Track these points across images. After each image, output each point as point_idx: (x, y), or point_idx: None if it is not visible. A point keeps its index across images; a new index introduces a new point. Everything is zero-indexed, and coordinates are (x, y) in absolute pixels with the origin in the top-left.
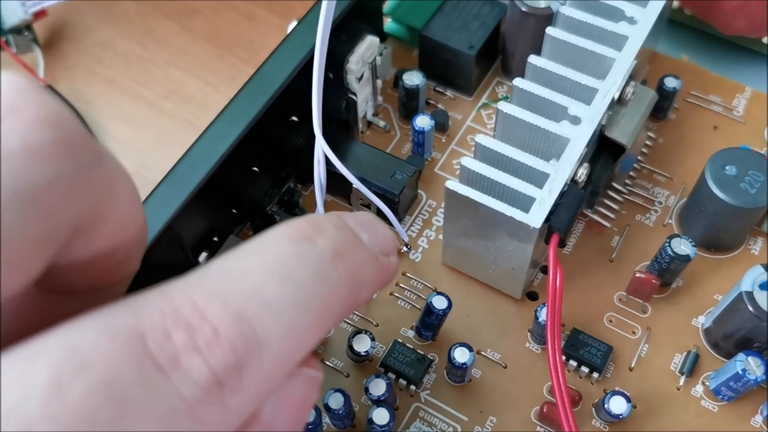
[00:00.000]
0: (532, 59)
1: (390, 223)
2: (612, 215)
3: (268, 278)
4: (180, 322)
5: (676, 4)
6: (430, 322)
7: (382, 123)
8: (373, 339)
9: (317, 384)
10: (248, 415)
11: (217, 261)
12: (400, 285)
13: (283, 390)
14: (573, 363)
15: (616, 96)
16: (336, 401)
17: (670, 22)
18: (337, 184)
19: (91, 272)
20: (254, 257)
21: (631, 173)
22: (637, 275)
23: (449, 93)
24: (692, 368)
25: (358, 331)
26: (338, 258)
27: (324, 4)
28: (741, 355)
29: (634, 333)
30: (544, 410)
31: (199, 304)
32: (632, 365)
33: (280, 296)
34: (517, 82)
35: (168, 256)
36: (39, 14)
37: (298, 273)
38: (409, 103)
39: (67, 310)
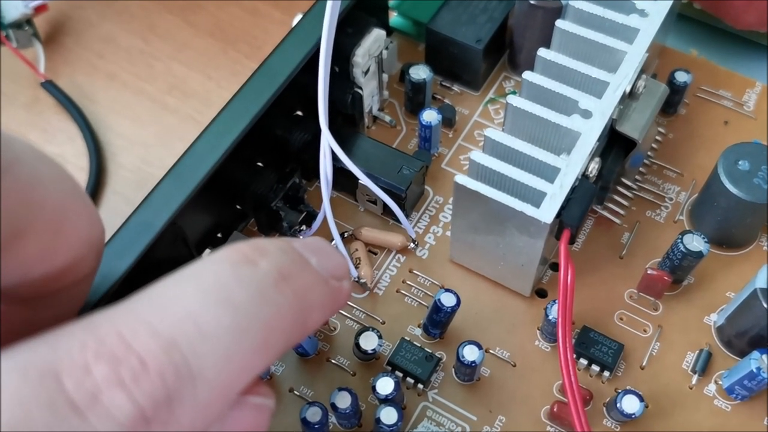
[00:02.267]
0: (542, 52)
1: (397, 220)
2: (622, 211)
3: (203, 302)
4: (102, 355)
5: None
6: (438, 319)
7: (388, 118)
8: (380, 337)
9: (267, 412)
10: None
11: (150, 287)
12: (407, 282)
13: (227, 420)
14: (583, 361)
15: (628, 89)
16: (342, 400)
17: (679, 17)
18: (343, 179)
19: (35, 281)
20: (190, 281)
21: (641, 169)
22: (648, 272)
23: (456, 88)
24: (705, 367)
25: (364, 329)
26: (283, 280)
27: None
28: (755, 354)
29: (645, 331)
30: (555, 409)
31: (125, 333)
32: (643, 364)
33: (216, 321)
34: (527, 75)
35: (171, 252)
36: (40, 8)
37: (237, 296)
38: (415, 98)
39: (32, 316)
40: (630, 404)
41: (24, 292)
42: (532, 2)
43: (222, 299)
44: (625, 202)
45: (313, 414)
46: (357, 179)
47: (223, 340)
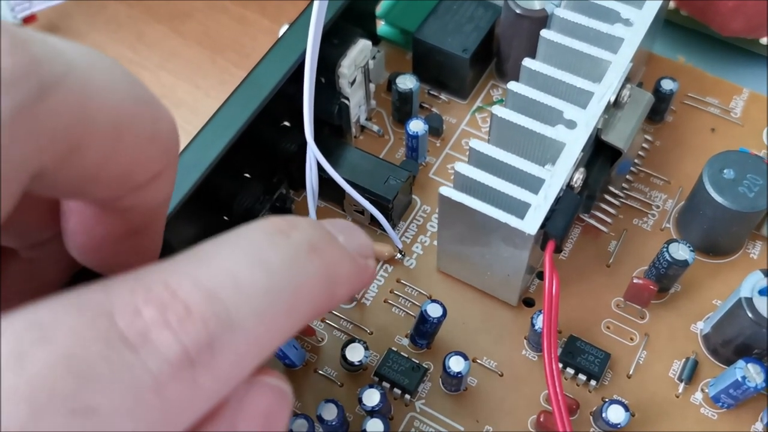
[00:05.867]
0: (527, 62)
1: (384, 230)
2: (609, 220)
3: (241, 262)
4: (151, 300)
5: (672, 4)
6: (424, 330)
7: (375, 127)
8: (366, 348)
9: (285, 398)
10: (218, 398)
11: (190, 249)
12: (395, 292)
13: (245, 400)
14: (570, 371)
15: (612, 99)
16: (329, 412)
17: (666, 23)
18: (330, 190)
19: (101, 181)
20: (228, 245)
21: (628, 177)
22: (634, 281)
23: (443, 96)
24: (691, 375)
25: (351, 340)
26: (313, 251)
27: (315, 7)
28: (741, 362)
29: (632, 339)
30: (541, 419)
31: (171, 283)
32: (630, 372)
33: (252, 279)
34: (512, 85)
35: None
36: (28, 19)
37: (272, 259)
38: (402, 107)
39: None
40: (615, 414)
41: (96, 193)
42: (517, 11)
43: (258, 261)
44: (612, 210)
45: (300, 426)
46: (344, 189)
47: (259, 296)
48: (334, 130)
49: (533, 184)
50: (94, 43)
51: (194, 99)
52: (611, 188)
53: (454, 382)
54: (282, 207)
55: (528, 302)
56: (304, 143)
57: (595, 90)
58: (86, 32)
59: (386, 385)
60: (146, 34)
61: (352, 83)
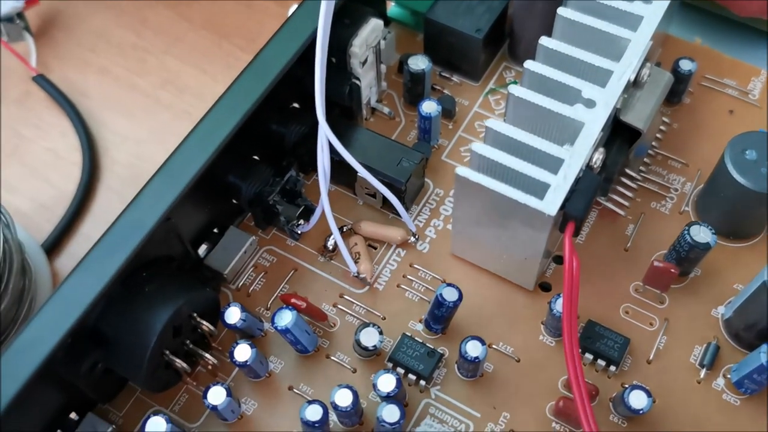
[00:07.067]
0: (544, 41)
1: (397, 213)
2: (626, 203)
3: None
4: None
5: None
6: (439, 314)
7: (386, 109)
8: (380, 333)
9: None
10: None
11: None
12: (408, 277)
13: None
14: (589, 356)
15: (632, 78)
16: (343, 398)
17: (682, 4)
18: (341, 173)
19: None
20: None
21: (645, 159)
22: (655, 264)
23: (455, 78)
24: (713, 360)
25: (365, 325)
26: None
27: None
28: (764, 347)
29: (651, 324)
30: (560, 405)
31: None
32: (650, 358)
33: None
34: (529, 64)
35: (166, 249)
36: (31, 2)
37: None
38: (414, 89)
39: None
40: (638, 400)
41: None
42: None
43: None
44: (629, 194)
45: (313, 412)
46: (355, 172)
47: None
48: (344, 112)
49: (552, 164)
50: (98, 27)
51: (200, 84)
52: (628, 171)
53: (471, 368)
54: (292, 190)
55: (545, 287)
56: (314, 125)
57: (615, 68)
58: (90, 16)
59: (401, 371)
60: (151, 18)
61: (364, 63)
